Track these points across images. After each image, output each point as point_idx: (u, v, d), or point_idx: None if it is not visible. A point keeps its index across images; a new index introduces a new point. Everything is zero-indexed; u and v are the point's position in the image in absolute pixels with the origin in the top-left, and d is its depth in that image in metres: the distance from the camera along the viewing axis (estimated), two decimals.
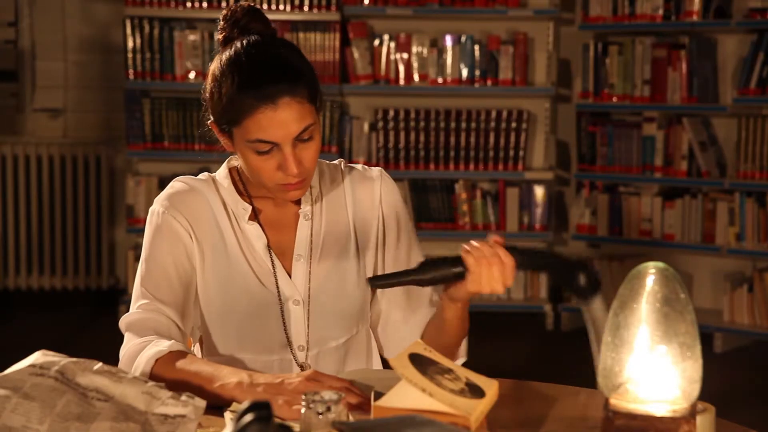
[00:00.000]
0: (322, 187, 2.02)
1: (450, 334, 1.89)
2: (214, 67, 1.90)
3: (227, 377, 1.69)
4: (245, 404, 1.20)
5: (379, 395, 1.52)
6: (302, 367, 1.96)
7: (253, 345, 1.93)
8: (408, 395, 1.47)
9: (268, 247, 1.97)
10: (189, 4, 5.51)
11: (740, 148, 5.29)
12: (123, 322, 1.90)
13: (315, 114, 1.89)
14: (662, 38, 5.52)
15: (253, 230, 1.97)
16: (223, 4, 5.49)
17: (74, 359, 1.42)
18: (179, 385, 1.68)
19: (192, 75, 5.54)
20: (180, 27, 5.57)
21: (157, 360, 1.76)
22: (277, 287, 1.95)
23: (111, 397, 1.39)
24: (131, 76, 5.56)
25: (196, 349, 2.03)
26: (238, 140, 1.89)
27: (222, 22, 1.92)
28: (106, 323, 5.56)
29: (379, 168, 2.07)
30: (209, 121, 1.94)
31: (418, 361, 1.54)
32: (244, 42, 1.88)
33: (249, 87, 1.83)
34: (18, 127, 6.09)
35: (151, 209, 1.97)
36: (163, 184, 5.58)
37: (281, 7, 5.51)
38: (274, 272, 1.96)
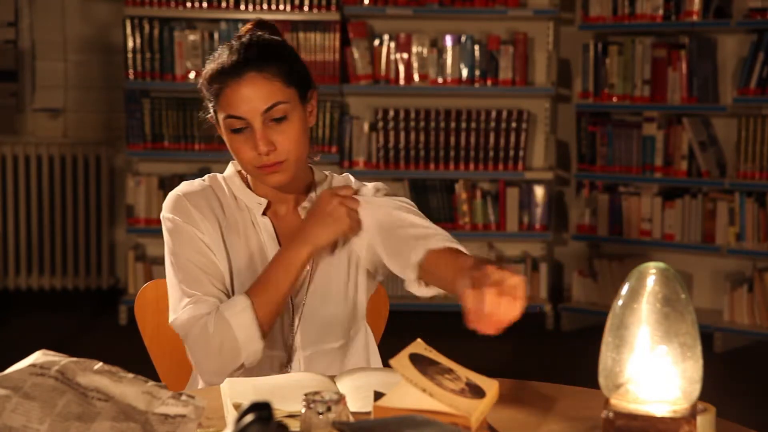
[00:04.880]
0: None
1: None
2: None
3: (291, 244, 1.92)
4: (245, 404, 1.20)
5: (379, 395, 1.52)
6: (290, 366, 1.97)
7: None
8: (408, 395, 1.47)
9: (278, 239, 1.98)
10: (189, 4, 5.50)
11: (740, 148, 5.29)
12: (178, 321, 1.90)
13: (291, 95, 1.91)
14: (662, 38, 5.52)
15: (266, 223, 1.99)
16: (223, 5, 5.49)
17: (74, 359, 1.42)
18: (278, 285, 1.88)
19: (192, 75, 5.53)
20: (180, 27, 5.57)
21: (252, 308, 1.87)
22: None
23: (111, 397, 1.39)
24: (131, 76, 5.55)
25: None
26: (221, 124, 1.93)
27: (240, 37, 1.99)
28: (106, 323, 5.57)
29: (375, 184, 2.03)
30: (208, 115, 1.98)
31: (418, 361, 1.54)
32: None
33: (222, 66, 1.91)
34: (18, 127, 6.09)
35: (162, 215, 1.99)
36: (163, 184, 5.57)
37: (281, 7, 5.51)
38: None
